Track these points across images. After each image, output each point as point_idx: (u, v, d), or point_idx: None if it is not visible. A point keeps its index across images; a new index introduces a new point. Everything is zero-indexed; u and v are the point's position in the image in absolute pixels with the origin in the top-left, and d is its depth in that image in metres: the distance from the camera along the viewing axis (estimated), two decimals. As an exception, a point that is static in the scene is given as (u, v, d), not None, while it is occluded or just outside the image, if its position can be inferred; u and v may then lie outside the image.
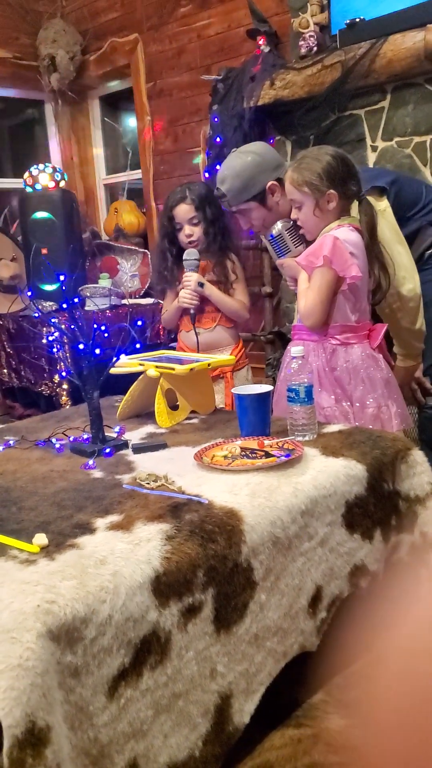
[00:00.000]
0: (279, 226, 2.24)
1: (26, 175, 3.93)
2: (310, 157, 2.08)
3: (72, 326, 1.83)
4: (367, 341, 2.09)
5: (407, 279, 2.23)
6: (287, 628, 1.50)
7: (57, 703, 1.09)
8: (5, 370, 4.05)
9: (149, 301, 4.08)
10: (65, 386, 3.68)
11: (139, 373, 2.10)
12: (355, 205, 2.12)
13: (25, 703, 1.02)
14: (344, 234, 2.03)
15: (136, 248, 4.40)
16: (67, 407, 3.59)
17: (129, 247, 4.41)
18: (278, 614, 1.47)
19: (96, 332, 1.79)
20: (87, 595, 1.16)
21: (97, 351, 1.77)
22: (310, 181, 2.04)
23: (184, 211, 2.63)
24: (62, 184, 3.94)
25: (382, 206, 2.24)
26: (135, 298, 4.23)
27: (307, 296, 2.06)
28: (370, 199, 2.21)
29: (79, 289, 3.90)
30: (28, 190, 3.93)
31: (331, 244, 1.99)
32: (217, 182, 2.40)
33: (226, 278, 2.68)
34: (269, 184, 2.32)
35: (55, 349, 2.84)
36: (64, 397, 3.71)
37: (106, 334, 1.79)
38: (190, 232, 2.64)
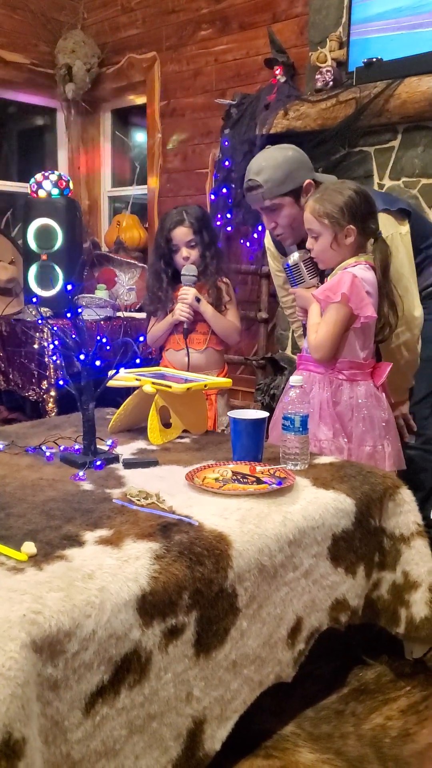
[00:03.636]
0: (296, 256, 2.25)
1: (32, 180, 3.93)
2: (332, 189, 2.09)
3: (73, 335, 1.82)
4: (371, 379, 2.10)
5: (416, 307, 2.26)
6: (265, 657, 1.50)
7: (33, 715, 1.08)
8: (-7, 372, 4.02)
9: (144, 315, 4.08)
10: (53, 393, 3.66)
11: (133, 388, 2.10)
12: (369, 242, 2.14)
13: (3, 714, 1.01)
14: (361, 272, 2.04)
15: (136, 262, 4.41)
16: (53, 415, 3.58)
17: (128, 260, 4.42)
18: (258, 642, 1.47)
19: (98, 344, 1.79)
20: (73, 608, 1.15)
21: (98, 363, 1.77)
22: (331, 214, 2.06)
23: (182, 233, 2.66)
24: (67, 192, 3.95)
25: (404, 230, 2.25)
26: (130, 311, 4.24)
27: (320, 330, 2.07)
28: (393, 218, 2.22)
29: (76, 298, 3.89)
30: (33, 195, 3.93)
31: (350, 282, 2.01)
32: (250, 173, 2.32)
33: (220, 300, 2.72)
34: (306, 182, 2.30)
35: (54, 357, 2.82)
36: (50, 404, 3.69)
37: (108, 347, 1.79)
38: (187, 255, 2.67)
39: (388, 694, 1.80)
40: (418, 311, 2.27)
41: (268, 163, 2.30)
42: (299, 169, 2.30)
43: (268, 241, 2.65)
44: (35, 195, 3.91)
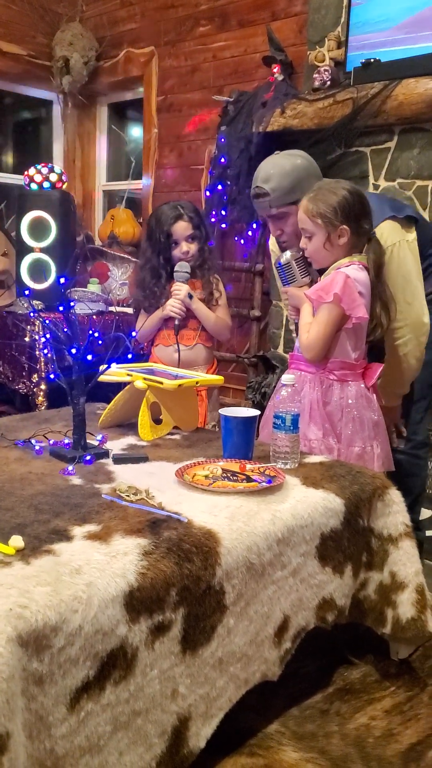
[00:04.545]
0: (288, 255, 2.24)
1: (27, 172, 3.92)
2: (326, 189, 2.09)
3: (65, 329, 1.82)
4: (362, 380, 2.10)
5: (425, 313, 2.25)
6: (251, 655, 1.50)
7: (18, 710, 1.08)
8: (-17, 364, 4.00)
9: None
10: (43, 387, 3.65)
11: (124, 383, 2.09)
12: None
13: (-13, 708, 1.00)
14: (354, 272, 2.04)
15: (129, 257, 4.40)
16: (43, 408, 3.56)
17: (122, 255, 4.41)
18: (244, 640, 1.47)
19: (90, 338, 1.78)
20: (60, 603, 1.14)
21: (89, 357, 1.76)
22: (324, 214, 2.05)
23: (182, 227, 2.65)
24: (62, 185, 3.94)
25: (411, 237, 2.25)
26: (122, 306, 4.23)
27: (311, 330, 2.07)
28: (400, 225, 2.22)
29: (68, 291, 3.88)
30: (28, 187, 3.92)
31: (343, 282, 2.01)
32: (257, 180, 2.29)
33: (212, 296, 2.72)
34: None
35: (45, 351, 2.80)
36: (40, 398, 3.68)
37: (100, 342, 1.78)
38: (187, 249, 2.66)
39: (372, 694, 1.81)
40: (427, 318, 2.26)
41: (276, 170, 2.26)
42: (307, 177, 2.26)
43: (272, 243, 2.64)
44: (29, 187, 3.90)
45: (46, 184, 3.86)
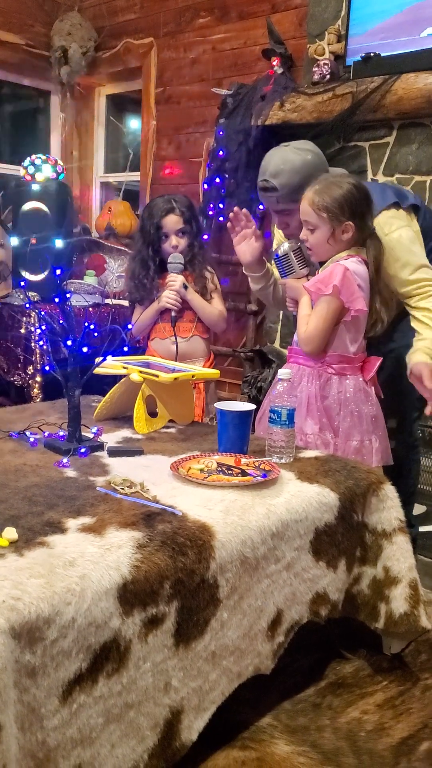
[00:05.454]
0: (285, 246, 2.23)
1: (24, 162, 3.89)
2: (332, 182, 2.06)
3: (61, 321, 1.81)
4: (360, 374, 2.10)
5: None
6: (245, 648, 1.50)
7: (10, 702, 1.08)
8: (-22, 356, 3.99)
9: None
10: (38, 379, 3.64)
11: (120, 376, 2.09)
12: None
13: (-21, 700, 1.00)
14: (353, 265, 2.03)
15: (126, 249, 4.38)
16: (38, 400, 3.56)
17: (119, 247, 4.39)
18: (237, 634, 1.47)
19: (86, 330, 1.77)
20: (53, 595, 1.14)
21: (85, 349, 1.76)
22: (330, 208, 2.02)
23: (173, 221, 2.65)
24: (59, 176, 3.92)
25: (415, 229, 2.20)
26: (119, 298, 4.21)
27: (310, 323, 2.06)
28: (403, 211, 2.18)
29: (64, 283, 3.86)
30: (25, 178, 3.89)
31: (342, 275, 1.99)
32: (266, 173, 2.19)
33: (206, 289, 2.72)
34: None
35: (41, 343, 2.80)
36: (35, 390, 3.67)
37: (96, 334, 1.78)
38: (176, 243, 2.67)
39: (365, 689, 1.81)
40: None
41: (287, 166, 2.17)
42: (317, 173, 2.17)
43: (278, 230, 2.61)
44: (27, 178, 3.88)
45: (40, 177, 3.84)
